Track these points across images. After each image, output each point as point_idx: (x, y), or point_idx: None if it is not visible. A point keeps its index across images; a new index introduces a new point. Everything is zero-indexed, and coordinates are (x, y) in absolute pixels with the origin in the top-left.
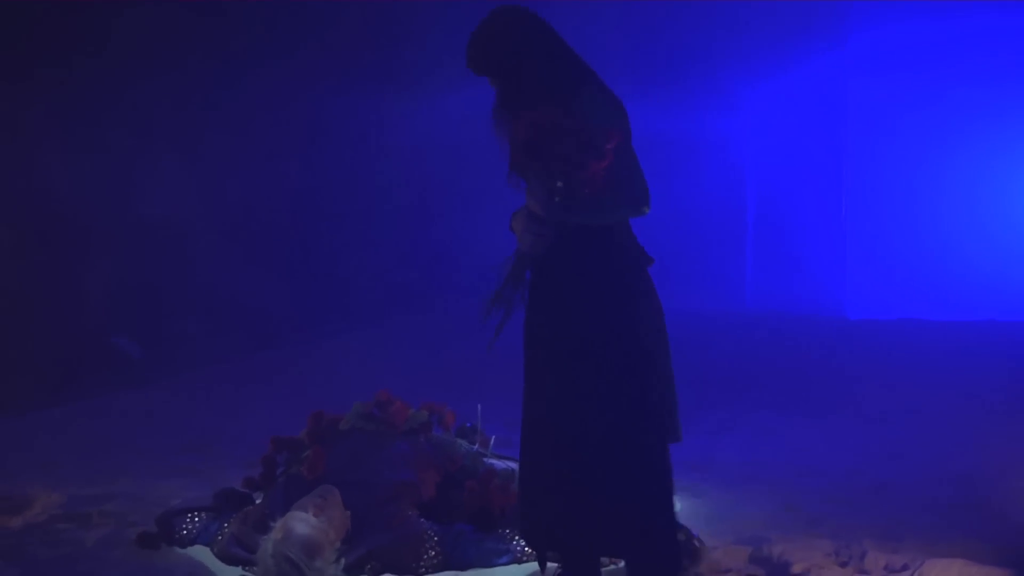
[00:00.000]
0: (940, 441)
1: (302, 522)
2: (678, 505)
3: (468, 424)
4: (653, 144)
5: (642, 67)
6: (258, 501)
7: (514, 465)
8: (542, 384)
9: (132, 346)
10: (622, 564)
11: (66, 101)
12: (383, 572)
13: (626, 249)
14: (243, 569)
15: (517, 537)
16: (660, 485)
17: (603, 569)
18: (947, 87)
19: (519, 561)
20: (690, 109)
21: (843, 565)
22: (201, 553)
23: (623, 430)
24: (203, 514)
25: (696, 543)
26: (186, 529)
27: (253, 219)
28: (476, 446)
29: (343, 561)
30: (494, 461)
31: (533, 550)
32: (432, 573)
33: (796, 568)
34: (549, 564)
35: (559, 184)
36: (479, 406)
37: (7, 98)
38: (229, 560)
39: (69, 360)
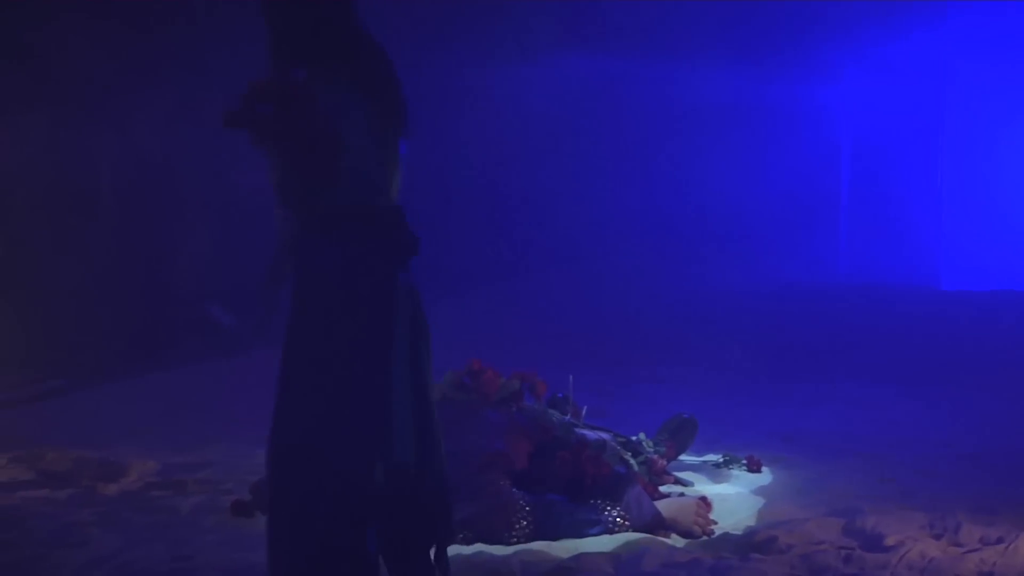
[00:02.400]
0: None
1: None
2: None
3: (560, 394)
4: (750, 113)
5: (742, 36)
6: None
7: (606, 435)
8: (281, 386)
9: (225, 315)
10: None
11: (162, 68)
12: (475, 541)
13: (374, 242)
14: None
15: (609, 508)
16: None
17: None
18: None
19: (611, 532)
20: (788, 78)
21: (937, 537)
22: None
23: (334, 448)
24: None
25: None
26: None
27: None
28: (568, 416)
29: None
30: (586, 432)
31: None
32: (523, 542)
33: (889, 540)
34: None
35: (282, 162)
36: (571, 377)
37: (103, 65)
38: None
39: (164, 327)
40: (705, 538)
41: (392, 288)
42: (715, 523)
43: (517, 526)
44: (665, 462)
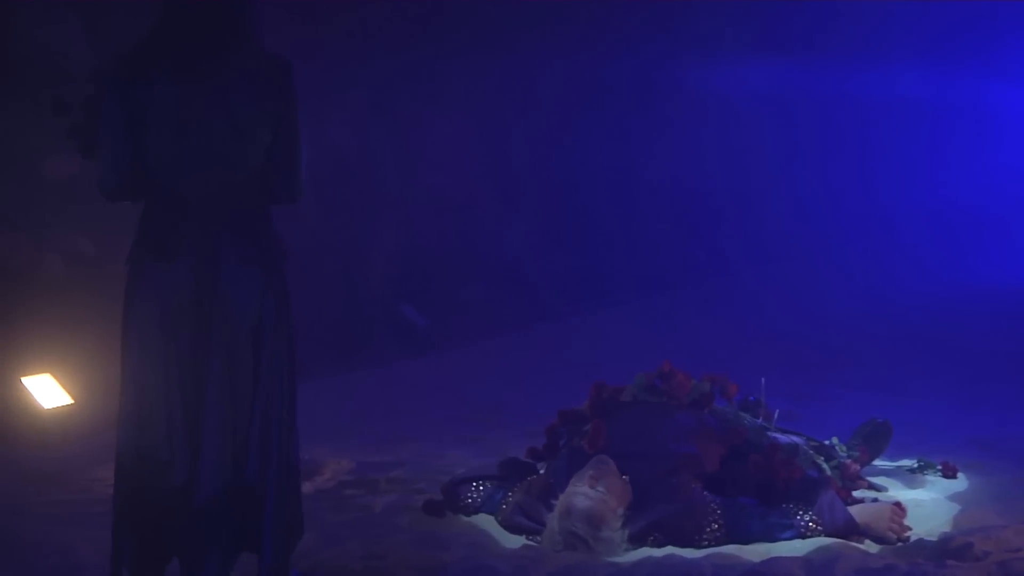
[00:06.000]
0: None
1: (581, 496)
2: None
3: (752, 397)
4: (949, 112)
5: (937, 32)
6: (541, 471)
7: (798, 439)
8: None
9: (419, 315)
10: None
11: (358, 67)
12: (666, 543)
13: (141, 233)
14: (527, 538)
15: (801, 512)
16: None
17: None
18: None
19: (803, 536)
20: (997, 76)
21: None
22: (485, 521)
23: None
24: (487, 483)
25: None
26: (471, 498)
27: (538, 187)
28: (760, 419)
29: (627, 530)
30: (778, 435)
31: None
32: (715, 546)
33: None
34: None
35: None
36: (763, 379)
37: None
38: (513, 529)
39: (359, 326)
40: (899, 544)
41: (134, 282)
42: (910, 529)
43: (708, 529)
44: (859, 467)
